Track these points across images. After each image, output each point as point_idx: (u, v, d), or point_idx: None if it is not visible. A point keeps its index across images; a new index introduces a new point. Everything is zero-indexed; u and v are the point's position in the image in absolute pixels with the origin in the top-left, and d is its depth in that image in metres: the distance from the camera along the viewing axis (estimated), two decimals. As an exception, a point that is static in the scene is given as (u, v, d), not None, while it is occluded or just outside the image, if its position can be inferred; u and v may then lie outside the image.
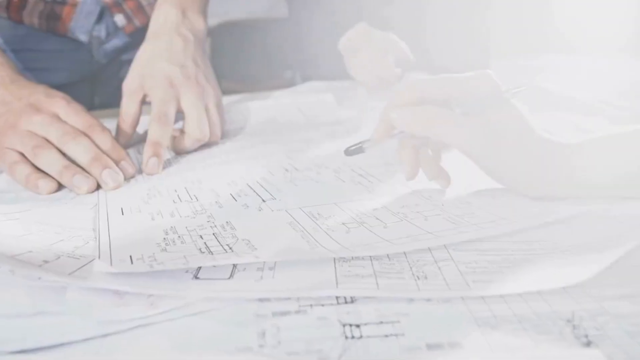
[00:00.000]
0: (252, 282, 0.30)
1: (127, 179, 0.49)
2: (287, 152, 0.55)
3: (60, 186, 0.48)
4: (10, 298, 0.29)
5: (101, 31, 0.79)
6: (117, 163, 0.49)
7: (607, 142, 0.37)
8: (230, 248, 0.34)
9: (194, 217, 0.40)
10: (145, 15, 0.79)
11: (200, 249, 0.34)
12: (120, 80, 0.59)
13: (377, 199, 0.41)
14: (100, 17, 0.78)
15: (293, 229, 0.36)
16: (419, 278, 0.30)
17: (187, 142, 0.56)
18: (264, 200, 0.42)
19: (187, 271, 0.31)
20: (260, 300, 0.29)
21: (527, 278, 0.30)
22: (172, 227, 0.38)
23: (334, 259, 0.32)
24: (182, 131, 0.56)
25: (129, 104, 0.57)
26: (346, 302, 0.29)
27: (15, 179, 0.48)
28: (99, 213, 0.41)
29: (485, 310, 0.28)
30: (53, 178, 0.47)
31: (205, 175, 0.49)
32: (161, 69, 0.57)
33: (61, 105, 0.51)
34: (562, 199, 0.38)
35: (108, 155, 0.49)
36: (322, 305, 0.29)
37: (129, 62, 0.83)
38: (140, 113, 0.58)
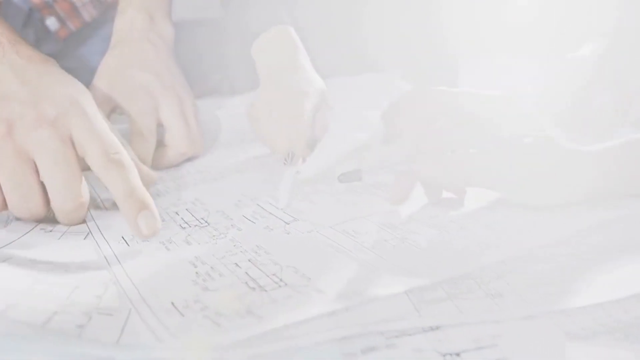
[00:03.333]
0: (327, 320, 0.27)
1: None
2: (280, 163, 0.51)
3: None
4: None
5: (29, 36, 0.70)
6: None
7: (629, 147, 0.38)
8: (281, 279, 0.31)
9: (215, 244, 0.36)
10: (80, 19, 0.72)
11: (247, 283, 0.30)
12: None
13: (402, 210, 0.40)
14: (27, 20, 0.69)
15: (337, 251, 0.34)
16: (494, 297, 0.29)
17: (171, 157, 0.51)
18: (287, 223, 0.39)
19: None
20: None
21: (599, 285, 0.30)
22: (196, 257, 0.34)
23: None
24: (162, 145, 0.51)
25: None
26: (432, 329, 0.27)
27: None
28: (99, 245, 0.36)
29: (570, 323, 0.27)
30: None
31: (202, 194, 0.45)
32: (135, 78, 0.52)
33: (75, 113, 0.38)
34: (577, 204, 0.38)
35: None
36: (410, 334, 0.26)
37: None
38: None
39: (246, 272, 0.31)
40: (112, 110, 0.53)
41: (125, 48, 0.55)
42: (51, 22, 0.70)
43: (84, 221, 0.40)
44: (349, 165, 0.44)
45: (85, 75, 0.76)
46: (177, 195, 0.45)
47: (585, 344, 0.26)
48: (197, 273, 0.32)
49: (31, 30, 0.70)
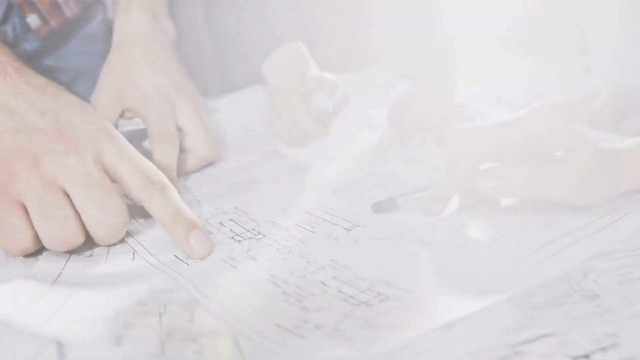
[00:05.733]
0: (448, 333, 0.26)
1: None
2: (303, 166, 0.50)
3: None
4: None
5: (7, 34, 0.64)
6: None
7: None
8: (379, 293, 0.29)
9: (285, 259, 0.34)
10: (61, 16, 0.66)
11: (346, 300, 0.29)
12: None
13: (454, 214, 0.39)
14: (6, 17, 0.63)
15: (417, 260, 0.33)
16: (592, 298, 0.29)
17: (192, 162, 0.48)
18: (348, 230, 0.37)
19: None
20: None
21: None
22: (272, 275, 0.32)
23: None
24: (182, 150, 0.48)
25: None
26: (550, 334, 0.26)
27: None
28: (154, 266, 0.34)
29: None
30: None
31: (239, 202, 0.43)
32: (148, 79, 0.49)
33: (103, 138, 0.36)
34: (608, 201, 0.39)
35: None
36: (532, 341, 0.26)
37: (41, 69, 0.70)
38: None
39: (339, 290, 0.30)
40: (120, 115, 0.50)
41: (133, 48, 0.51)
42: (32, 19, 0.64)
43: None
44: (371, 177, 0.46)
45: (65, 75, 0.72)
46: (212, 204, 0.43)
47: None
48: (284, 293, 0.30)
49: (10, 27, 0.64)
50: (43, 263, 0.34)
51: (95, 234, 0.35)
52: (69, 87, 0.71)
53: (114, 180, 0.36)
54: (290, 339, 0.25)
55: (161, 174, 0.37)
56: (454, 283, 0.30)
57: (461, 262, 0.33)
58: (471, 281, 0.31)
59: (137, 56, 0.50)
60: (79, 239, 0.34)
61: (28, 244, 0.34)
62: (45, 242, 0.34)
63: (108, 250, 0.36)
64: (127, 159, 0.36)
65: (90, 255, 0.36)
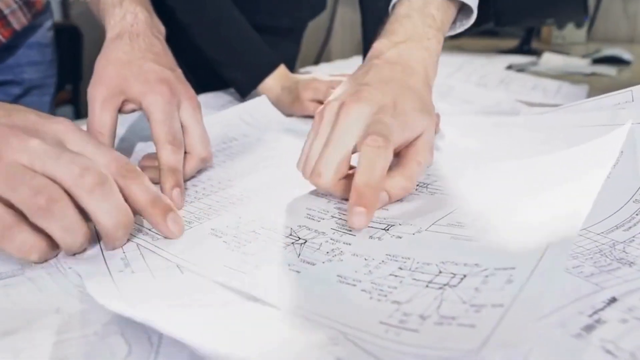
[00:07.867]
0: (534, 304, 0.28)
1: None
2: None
3: None
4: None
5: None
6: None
7: None
8: (454, 274, 0.30)
9: (341, 260, 0.34)
10: (9, 27, 0.61)
11: (427, 286, 0.29)
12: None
13: (479, 203, 0.41)
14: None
15: (467, 241, 0.34)
16: (630, 265, 0.32)
17: (191, 165, 0.47)
18: (386, 230, 0.38)
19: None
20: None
21: None
22: (339, 275, 0.32)
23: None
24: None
25: (103, 113, 0.45)
26: (614, 300, 0.29)
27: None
28: (206, 278, 0.32)
29: None
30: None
31: (261, 209, 0.42)
32: (155, 71, 0.46)
33: (65, 129, 0.35)
34: None
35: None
36: (601, 309, 0.28)
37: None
38: (116, 125, 0.46)
39: (413, 278, 0.31)
40: (120, 107, 0.47)
41: (133, 40, 0.49)
42: (-24, 33, 0.58)
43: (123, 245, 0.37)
44: None
45: (17, 88, 0.66)
46: (232, 213, 0.42)
47: None
48: (364, 291, 0.30)
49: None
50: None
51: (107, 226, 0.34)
52: (20, 100, 0.66)
53: None
54: (406, 335, 0.26)
55: (130, 161, 0.37)
56: (511, 259, 0.31)
57: (501, 238, 0.34)
58: (523, 256, 0.31)
59: (140, 49, 0.48)
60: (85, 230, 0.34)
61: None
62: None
63: (149, 267, 0.34)
64: (96, 148, 0.35)
65: (132, 272, 0.34)
